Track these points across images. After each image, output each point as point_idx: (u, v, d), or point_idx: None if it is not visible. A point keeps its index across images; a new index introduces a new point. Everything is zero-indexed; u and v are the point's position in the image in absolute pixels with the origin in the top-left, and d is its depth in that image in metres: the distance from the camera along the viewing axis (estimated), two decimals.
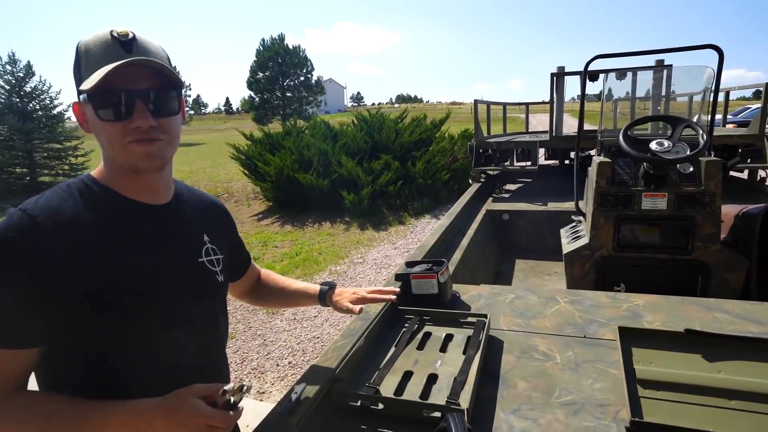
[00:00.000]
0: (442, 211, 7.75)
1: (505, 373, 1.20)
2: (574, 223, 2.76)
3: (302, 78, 39.32)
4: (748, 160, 3.48)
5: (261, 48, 38.43)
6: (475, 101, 4.67)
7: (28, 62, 13.39)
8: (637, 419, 0.95)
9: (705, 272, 2.20)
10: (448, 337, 1.32)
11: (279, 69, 38.26)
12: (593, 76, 2.81)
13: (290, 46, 38.79)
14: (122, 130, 0.77)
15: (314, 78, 40.37)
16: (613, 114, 3.76)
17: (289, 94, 38.92)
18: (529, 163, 4.25)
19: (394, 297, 1.23)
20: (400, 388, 1.10)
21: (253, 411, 2.16)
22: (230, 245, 1.06)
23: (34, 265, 0.71)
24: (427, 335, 1.34)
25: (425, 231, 6.91)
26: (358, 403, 1.06)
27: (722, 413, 0.98)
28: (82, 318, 0.75)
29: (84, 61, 0.78)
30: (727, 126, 5.21)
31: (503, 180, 4.54)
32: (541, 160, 4.51)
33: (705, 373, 1.10)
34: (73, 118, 0.87)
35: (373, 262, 5.72)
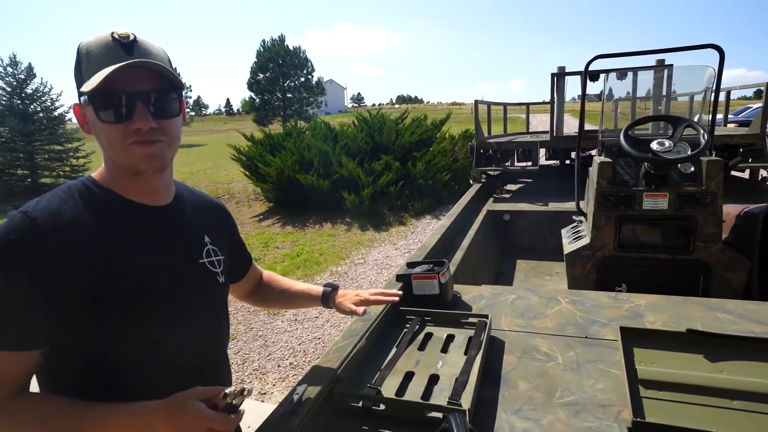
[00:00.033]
0: (443, 211, 7.75)
1: (507, 374, 1.20)
2: (575, 224, 2.76)
3: (303, 79, 39.34)
4: (750, 160, 3.48)
5: (261, 49, 38.46)
6: (476, 102, 4.66)
7: (30, 64, 13.42)
8: (639, 419, 0.95)
9: (706, 272, 2.20)
10: (450, 338, 1.32)
11: (279, 70, 38.29)
12: (594, 76, 2.81)
13: (291, 47, 38.81)
14: (123, 132, 0.77)
15: (315, 79, 40.40)
16: (613, 114, 3.75)
17: (289, 95, 38.93)
18: (529, 164, 4.24)
19: (396, 299, 1.23)
20: (402, 389, 1.10)
21: (255, 412, 2.16)
22: (231, 246, 1.07)
23: (34, 267, 0.71)
24: (429, 336, 1.34)
25: (426, 231, 6.91)
26: (360, 404, 1.06)
27: (724, 413, 0.98)
28: (82, 318, 0.75)
29: (85, 62, 0.78)
30: (729, 125, 5.20)
31: (504, 180, 4.53)
32: (542, 161, 4.50)
33: (707, 374, 1.10)
34: (74, 120, 0.87)
35: (374, 262, 5.72)
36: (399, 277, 1.63)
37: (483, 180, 4.49)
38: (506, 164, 4.36)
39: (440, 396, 1.06)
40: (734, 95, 5.16)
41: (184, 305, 0.86)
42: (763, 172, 3.91)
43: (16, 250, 0.71)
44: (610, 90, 3.18)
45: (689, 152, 2.17)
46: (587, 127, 2.97)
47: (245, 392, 0.71)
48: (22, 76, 13.19)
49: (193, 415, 0.68)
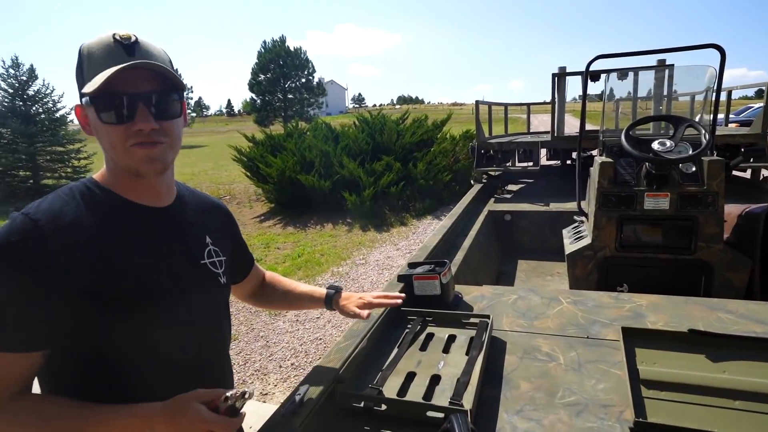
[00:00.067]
0: (444, 212, 7.75)
1: (508, 374, 1.19)
2: (576, 224, 2.75)
3: (303, 80, 39.40)
4: (751, 160, 3.47)
5: (262, 50, 38.51)
6: (477, 102, 4.66)
7: (31, 66, 13.47)
8: (640, 420, 0.94)
9: (708, 272, 2.20)
10: (451, 338, 1.32)
11: (280, 71, 38.34)
12: (595, 76, 2.80)
13: (291, 48, 38.88)
14: (124, 133, 0.77)
15: (315, 80, 40.46)
16: (614, 114, 3.75)
17: (290, 96, 38.99)
18: (530, 164, 4.24)
19: (399, 302, 1.23)
20: (403, 389, 1.10)
21: (257, 412, 2.16)
22: (233, 247, 1.07)
23: (37, 268, 0.71)
24: (430, 336, 1.34)
25: (427, 232, 6.91)
26: (362, 404, 1.06)
27: (726, 414, 0.98)
28: (83, 319, 0.75)
29: (86, 64, 0.78)
30: (730, 125, 5.19)
31: (505, 181, 4.53)
32: (543, 161, 4.49)
33: (709, 374, 1.09)
34: (76, 121, 0.87)
35: (376, 263, 5.72)
36: (400, 278, 1.63)
37: (484, 180, 4.49)
38: (507, 164, 4.36)
39: (442, 396, 1.06)
40: (735, 95, 5.15)
41: (185, 306, 0.87)
42: (764, 172, 3.90)
43: (18, 252, 0.71)
44: (611, 90, 3.18)
45: (690, 152, 2.16)
46: (588, 127, 2.97)
47: (246, 395, 0.71)
48: (24, 78, 13.24)
49: (194, 417, 0.68)
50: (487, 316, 1.36)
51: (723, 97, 4.46)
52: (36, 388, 0.79)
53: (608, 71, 2.84)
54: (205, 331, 0.92)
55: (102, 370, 0.79)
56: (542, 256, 3.29)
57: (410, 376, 1.15)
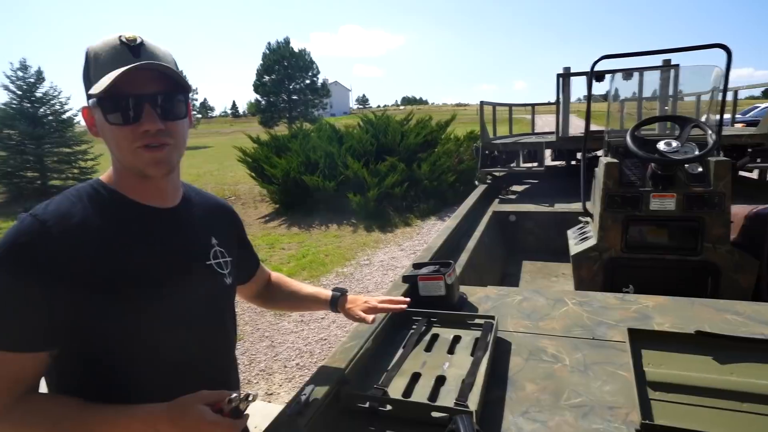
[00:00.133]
0: (448, 212, 7.73)
1: (514, 375, 1.19)
2: (581, 224, 2.74)
3: (308, 81, 39.53)
4: (758, 160, 3.45)
5: (267, 51, 38.69)
6: (481, 103, 4.65)
7: (39, 68, 13.57)
8: (647, 422, 0.94)
9: (715, 273, 2.18)
10: (456, 339, 1.32)
11: (285, 72, 38.48)
12: (600, 76, 2.79)
13: (296, 50, 39.03)
14: (131, 134, 0.77)
15: (320, 81, 40.57)
16: (620, 114, 3.73)
17: (295, 97, 39.12)
18: (535, 164, 4.23)
19: (405, 306, 1.23)
20: (408, 390, 1.10)
21: (261, 412, 2.17)
22: (239, 247, 1.07)
23: (44, 269, 0.72)
24: (435, 337, 1.34)
25: (431, 233, 6.90)
26: (366, 405, 1.06)
27: (733, 416, 0.97)
28: (89, 319, 0.75)
29: (93, 66, 0.78)
30: (736, 125, 5.16)
31: (509, 181, 4.52)
32: (548, 161, 4.48)
33: (716, 376, 1.09)
34: (83, 123, 0.88)
35: (380, 263, 5.72)
36: (405, 279, 1.63)
37: (488, 181, 4.48)
38: (512, 165, 4.35)
39: (447, 397, 1.06)
40: (742, 95, 5.13)
41: (191, 306, 0.87)
42: None
43: (26, 253, 0.71)
44: (616, 90, 3.16)
45: (697, 152, 2.15)
46: (593, 127, 2.96)
47: (250, 397, 0.71)
48: (32, 80, 13.33)
49: (198, 418, 0.69)
50: (492, 317, 1.36)
51: (729, 97, 4.44)
52: (42, 388, 0.79)
53: (613, 71, 2.83)
54: (210, 331, 0.92)
55: (107, 369, 0.79)
56: (547, 257, 3.28)
57: (415, 377, 1.15)
